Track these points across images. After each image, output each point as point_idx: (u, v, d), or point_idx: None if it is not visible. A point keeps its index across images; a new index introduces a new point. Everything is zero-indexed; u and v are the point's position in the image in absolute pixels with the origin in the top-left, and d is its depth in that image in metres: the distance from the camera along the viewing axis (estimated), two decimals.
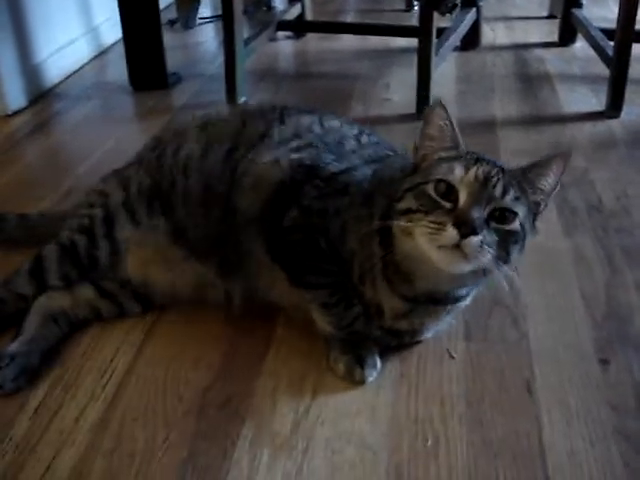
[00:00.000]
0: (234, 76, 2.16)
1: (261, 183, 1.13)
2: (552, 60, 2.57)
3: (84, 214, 1.23)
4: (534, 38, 2.83)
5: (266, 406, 1.05)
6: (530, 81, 2.38)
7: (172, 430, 1.01)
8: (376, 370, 1.09)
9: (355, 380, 1.08)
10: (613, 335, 1.19)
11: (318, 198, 1.09)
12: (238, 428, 1.01)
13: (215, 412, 1.04)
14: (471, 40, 2.64)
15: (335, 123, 1.22)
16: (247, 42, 2.27)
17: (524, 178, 0.98)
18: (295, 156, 1.14)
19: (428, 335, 1.15)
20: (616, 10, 2.03)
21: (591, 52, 2.35)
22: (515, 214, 0.95)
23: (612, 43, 2.08)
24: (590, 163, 1.78)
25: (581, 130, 1.99)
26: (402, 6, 3.22)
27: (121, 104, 2.27)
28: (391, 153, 1.19)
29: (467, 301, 1.11)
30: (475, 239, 0.90)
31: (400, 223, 0.96)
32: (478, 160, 0.97)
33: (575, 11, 2.62)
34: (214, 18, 3.11)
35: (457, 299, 1.08)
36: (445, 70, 2.36)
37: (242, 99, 2.19)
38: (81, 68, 2.53)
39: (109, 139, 1.93)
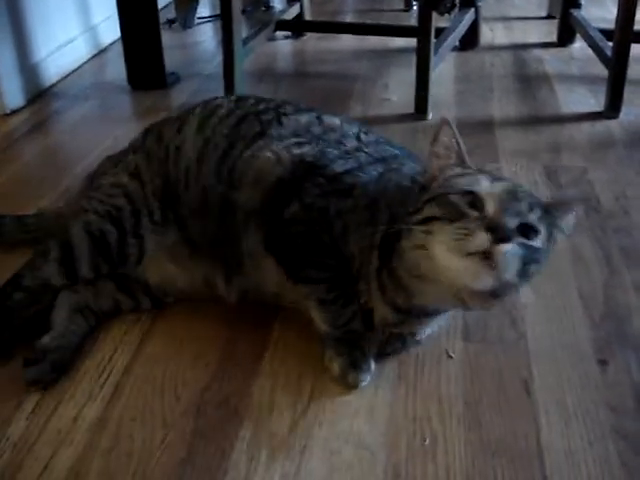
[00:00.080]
0: (232, 76, 2.16)
1: (262, 177, 1.12)
2: (551, 60, 2.58)
3: (109, 202, 1.19)
4: (533, 38, 2.83)
5: (264, 406, 1.05)
6: (529, 81, 2.38)
7: (170, 430, 1.00)
8: (370, 374, 1.08)
9: (348, 383, 1.07)
10: (611, 335, 1.19)
11: (320, 196, 1.08)
12: (236, 428, 1.01)
13: (213, 412, 1.04)
14: (470, 40, 2.64)
15: (335, 121, 1.21)
16: (246, 42, 2.27)
17: (546, 211, 0.96)
18: (297, 151, 1.13)
19: (423, 336, 1.14)
20: (615, 10, 2.03)
21: (590, 52, 2.35)
22: (539, 232, 0.93)
23: (611, 43, 2.08)
24: (589, 163, 1.78)
25: (580, 130, 1.99)
26: (401, 6, 3.22)
27: (119, 103, 2.27)
28: (397, 152, 1.17)
29: None
30: (507, 246, 0.87)
31: (417, 234, 0.93)
32: (499, 177, 0.96)
33: (574, 11, 2.62)
34: (212, 18, 3.10)
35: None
36: (444, 70, 2.36)
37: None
38: (79, 67, 2.52)
39: (107, 138, 1.92)
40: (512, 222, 0.89)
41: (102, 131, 2.00)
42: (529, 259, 0.91)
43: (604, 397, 1.06)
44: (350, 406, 1.05)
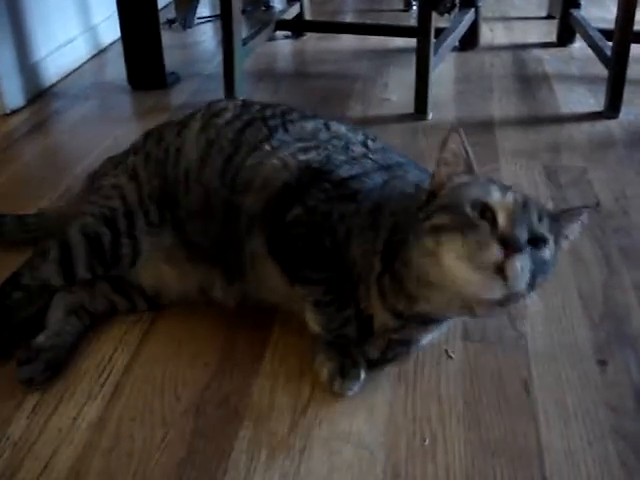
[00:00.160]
0: (232, 75, 2.16)
1: (268, 182, 1.12)
2: (550, 60, 2.58)
3: (105, 204, 1.19)
4: (532, 38, 2.83)
5: (264, 405, 1.05)
6: (528, 81, 2.38)
7: (170, 429, 1.01)
8: (358, 383, 1.06)
9: (334, 390, 1.06)
10: (611, 335, 1.19)
11: (324, 201, 1.07)
12: (236, 427, 1.01)
13: (213, 411, 1.04)
14: (470, 40, 2.65)
15: (341, 128, 1.21)
16: (245, 41, 2.27)
17: (553, 220, 0.96)
18: (303, 157, 1.13)
19: (424, 342, 1.13)
20: (614, 10, 2.03)
21: (589, 52, 2.35)
22: (547, 243, 0.93)
23: (610, 43, 2.08)
24: (588, 163, 1.79)
25: (579, 130, 1.99)
26: (401, 6, 3.22)
27: (119, 103, 2.27)
28: (402, 160, 1.17)
29: None
30: (520, 259, 0.87)
31: (426, 241, 0.93)
32: (507, 187, 0.96)
33: (573, 11, 2.62)
34: (212, 17, 3.11)
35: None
36: (443, 70, 2.36)
37: (240, 98, 2.19)
38: (79, 67, 2.53)
39: (107, 138, 1.92)
40: (523, 234, 0.89)
41: (102, 131, 2.00)
42: (538, 270, 0.91)
43: (603, 397, 1.06)
44: (350, 406, 1.05)
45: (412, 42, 2.10)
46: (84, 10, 2.57)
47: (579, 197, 1.62)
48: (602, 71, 2.12)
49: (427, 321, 1.06)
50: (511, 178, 1.69)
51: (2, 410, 1.03)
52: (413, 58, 2.06)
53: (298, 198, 1.08)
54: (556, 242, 0.96)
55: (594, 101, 2.17)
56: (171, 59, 2.39)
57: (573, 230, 0.99)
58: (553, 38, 2.77)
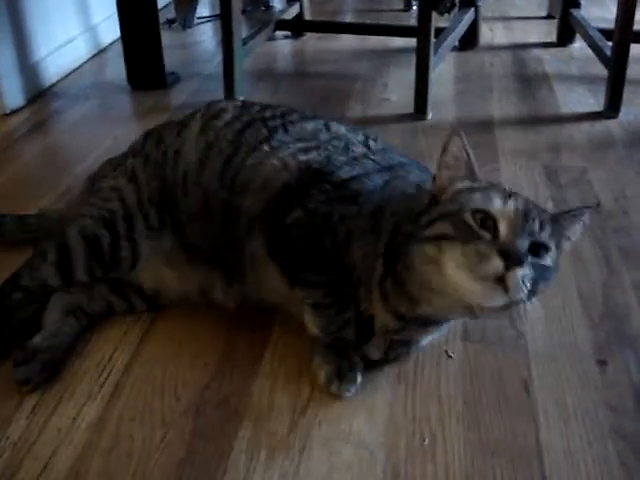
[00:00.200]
0: (232, 75, 2.16)
1: (268, 183, 1.12)
2: (550, 60, 2.58)
3: (104, 206, 1.19)
4: (532, 38, 2.83)
5: (263, 406, 1.05)
6: (528, 81, 2.38)
7: (170, 429, 1.01)
8: (355, 386, 1.06)
9: (331, 392, 1.06)
10: (611, 335, 1.19)
11: (325, 202, 1.07)
12: (236, 427, 1.01)
13: (213, 411, 1.04)
14: (469, 40, 2.65)
15: (341, 129, 1.21)
16: (245, 41, 2.27)
17: (554, 222, 0.96)
18: (303, 158, 1.12)
19: (425, 342, 1.13)
20: (614, 10, 2.03)
21: (589, 52, 2.35)
22: (549, 250, 0.93)
23: (610, 43, 2.08)
24: (588, 163, 1.79)
25: (579, 130, 1.99)
26: (400, 6, 3.22)
27: (119, 103, 2.27)
28: (404, 160, 1.17)
29: None
30: (521, 271, 0.87)
31: (428, 249, 0.93)
32: (510, 193, 0.95)
33: (573, 11, 2.62)
34: (212, 17, 3.10)
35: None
36: (443, 70, 2.36)
37: (240, 99, 2.19)
38: (79, 67, 2.53)
39: (107, 138, 1.92)
40: (525, 244, 0.89)
41: (102, 131, 2.00)
42: (540, 277, 0.91)
43: (603, 397, 1.06)
44: (350, 406, 1.05)
45: (412, 42, 2.10)
46: (84, 10, 2.57)
47: (579, 197, 1.62)
48: (602, 71, 2.12)
49: (428, 323, 1.07)
50: (511, 178, 1.69)
51: (2, 410, 1.03)
52: (413, 58, 2.06)
53: (298, 200, 1.08)
54: (558, 246, 0.95)
55: (594, 101, 2.17)
56: (171, 59, 2.39)
57: (575, 231, 0.99)
58: (553, 38, 2.77)
